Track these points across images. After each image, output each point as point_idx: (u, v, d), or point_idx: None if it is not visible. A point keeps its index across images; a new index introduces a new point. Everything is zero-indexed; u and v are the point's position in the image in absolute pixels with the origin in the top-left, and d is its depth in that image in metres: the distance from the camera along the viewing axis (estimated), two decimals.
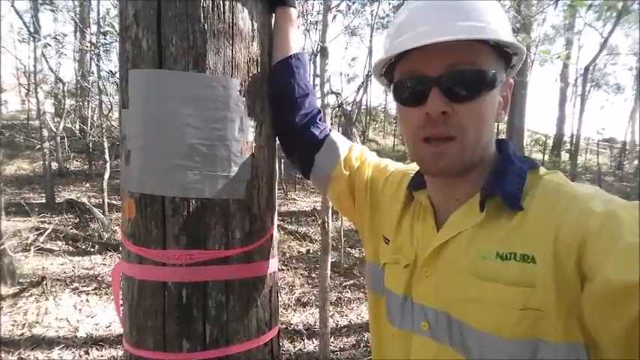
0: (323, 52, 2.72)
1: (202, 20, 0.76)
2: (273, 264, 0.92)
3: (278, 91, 0.88)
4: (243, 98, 0.80)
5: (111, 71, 7.58)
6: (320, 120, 0.94)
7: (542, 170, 0.67)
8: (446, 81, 0.62)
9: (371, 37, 13.72)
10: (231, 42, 0.79)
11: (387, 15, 13.36)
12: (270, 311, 0.91)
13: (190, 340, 0.80)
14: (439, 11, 0.63)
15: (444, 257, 0.68)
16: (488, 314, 0.60)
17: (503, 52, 0.66)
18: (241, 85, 0.80)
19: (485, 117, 0.65)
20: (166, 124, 0.76)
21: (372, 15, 11.56)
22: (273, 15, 0.89)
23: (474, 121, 0.64)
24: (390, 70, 0.73)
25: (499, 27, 0.63)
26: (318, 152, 0.92)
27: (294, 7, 0.90)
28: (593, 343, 0.54)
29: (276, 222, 0.94)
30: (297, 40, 0.91)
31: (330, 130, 0.95)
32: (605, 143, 21.49)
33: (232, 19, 0.79)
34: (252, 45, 0.82)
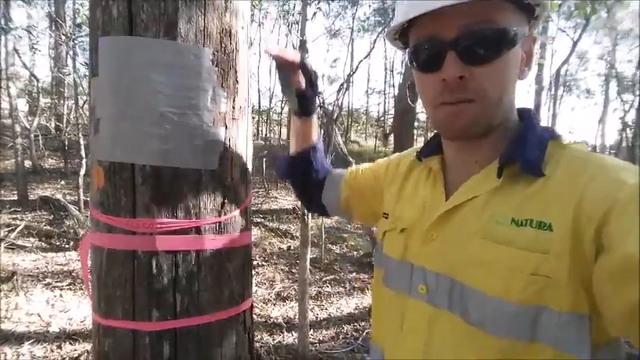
0: (302, 45, 2.72)
1: None
2: (247, 236, 0.93)
3: (299, 178, 1.04)
4: (215, 68, 0.81)
5: (86, 63, 7.39)
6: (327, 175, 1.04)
7: (565, 140, 0.65)
8: (462, 43, 0.59)
9: (351, 39, 13.84)
10: (203, 11, 0.79)
11: (368, 18, 13.49)
12: (243, 283, 0.91)
13: (160, 310, 0.79)
14: None
15: (454, 221, 0.65)
16: (496, 277, 0.58)
17: (524, 5, 0.62)
18: (214, 55, 0.80)
19: (507, 78, 0.62)
20: (137, 91, 0.76)
21: (352, 17, 11.65)
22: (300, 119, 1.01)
23: (495, 83, 0.60)
24: (405, 34, 0.70)
25: None
26: (322, 191, 1.02)
27: (315, 114, 1.01)
28: (597, 315, 0.53)
29: (250, 195, 0.94)
30: (316, 133, 1.03)
31: (332, 171, 1.05)
32: None
33: None
34: (224, 15, 0.82)
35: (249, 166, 0.94)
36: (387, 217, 0.81)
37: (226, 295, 0.86)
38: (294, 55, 0.91)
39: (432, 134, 0.81)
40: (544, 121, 16.35)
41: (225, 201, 0.85)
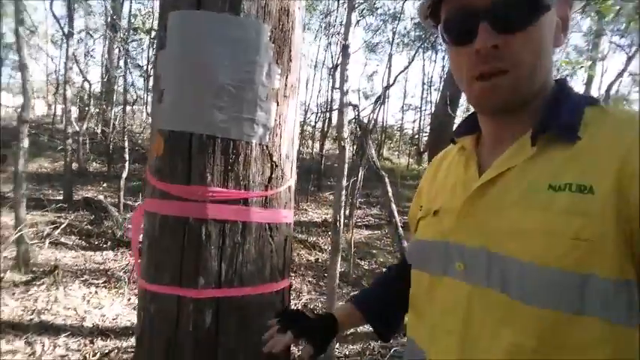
0: (345, 50, 2.76)
1: None
2: (290, 215, 0.94)
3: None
4: (273, 45, 0.84)
5: (138, 64, 7.81)
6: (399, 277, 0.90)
7: (605, 105, 0.62)
8: (495, 11, 0.57)
9: (390, 53, 13.91)
10: None
11: (408, 32, 13.55)
12: (284, 260, 0.92)
13: (205, 277, 0.81)
14: None
15: (490, 194, 0.63)
16: (535, 245, 0.55)
17: None
18: (272, 32, 0.84)
19: (543, 45, 0.59)
20: (201, 62, 0.80)
21: (392, 32, 11.76)
22: None
23: (530, 51, 0.58)
24: (436, 12, 0.68)
25: None
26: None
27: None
28: None
29: (295, 175, 0.96)
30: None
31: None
32: None
33: None
34: None
35: (296, 145, 0.96)
36: (421, 209, 0.79)
37: (268, 269, 0.88)
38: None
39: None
40: None
41: (273, 176, 0.88)
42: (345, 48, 2.78)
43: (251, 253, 0.85)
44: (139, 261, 0.92)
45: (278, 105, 0.87)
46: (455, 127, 0.79)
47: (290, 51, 0.88)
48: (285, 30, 0.87)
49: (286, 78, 0.88)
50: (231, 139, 0.82)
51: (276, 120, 0.87)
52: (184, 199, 0.81)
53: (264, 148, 0.86)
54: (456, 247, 0.66)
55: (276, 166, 0.88)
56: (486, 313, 0.59)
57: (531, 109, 0.63)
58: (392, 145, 17.96)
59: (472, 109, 0.74)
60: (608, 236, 0.51)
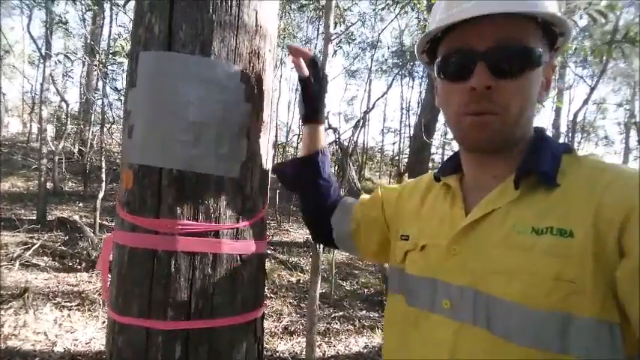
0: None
1: (211, 11, 0.84)
2: (263, 245, 0.96)
3: (305, 184, 1.01)
4: (243, 85, 0.87)
5: (116, 88, 7.76)
6: (339, 198, 1.01)
7: (579, 153, 0.68)
8: (493, 55, 0.62)
9: (369, 79, 14.30)
10: (235, 33, 0.87)
11: (386, 60, 13.96)
12: (256, 291, 0.93)
13: (175, 309, 0.82)
14: None
15: (476, 234, 0.66)
16: (517, 284, 0.58)
17: (548, 33, 0.66)
18: (242, 73, 0.87)
19: (529, 95, 0.65)
20: (170, 101, 0.82)
21: (371, 59, 12.09)
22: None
23: (518, 98, 0.63)
24: (432, 50, 0.74)
25: (547, 4, 0.63)
26: (332, 216, 0.98)
27: (323, 123, 1.01)
28: (628, 323, 0.53)
29: (267, 206, 0.98)
30: (323, 141, 1.01)
31: (343, 196, 1.02)
32: None
33: (238, 13, 0.87)
34: (254, 38, 0.90)
35: (268, 178, 0.98)
36: (406, 239, 0.80)
37: (239, 300, 0.89)
38: (308, 51, 0.97)
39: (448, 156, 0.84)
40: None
41: (244, 208, 0.90)
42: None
43: (222, 285, 0.86)
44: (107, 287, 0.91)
45: (249, 140, 0.90)
46: (439, 161, 0.84)
47: (261, 90, 0.92)
48: (256, 71, 0.90)
49: (257, 114, 0.91)
50: (202, 174, 0.84)
51: (247, 154, 0.89)
52: (153, 231, 0.82)
53: (235, 181, 0.88)
54: (443, 285, 0.68)
55: (248, 198, 0.90)
56: (473, 349, 0.62)
57: (513, 153, 0.68)
58: (373, 166, 18.20)
59: (450, 136, 0.79)
60: (588, 278, 0.54)
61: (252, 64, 0.90)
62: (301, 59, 0.96)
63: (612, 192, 0.56)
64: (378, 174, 17.34)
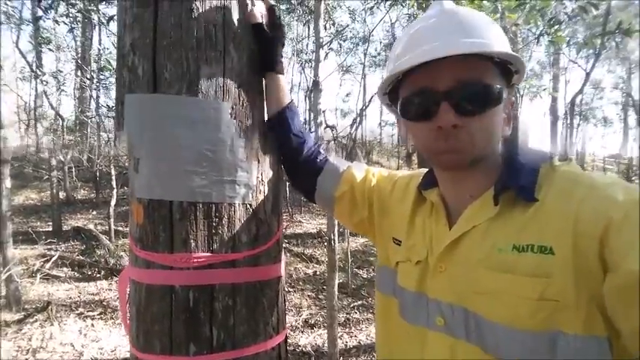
0: (316, 86, 2.80)
1: (195, 48, 0.80)
2: (280, 268, 0.93)
3: (277, 142, 0.95)
4: (234, 120, 0.83)
5: (108, 105, 7.79)
6: (320, 152, 0.98)
7: (556, 161, 0.67)
8: (455, 95, 0.64)
9: (363, 74, 14.12)
10: (222, 68, 0.83)
11: (379, 54, 13.72)
12: (277, 315, 0.91)
13: (197, 344, 0.80)
14: (443, 30, 0.65)
15: (459, 252, 0.68)
16: (503, 306, 0.60)
17: (504, 70, 0.68)
18: (232, 108, 0.83)
19: (493, 132, 0.67)
20: (159, 143, 0.79)
21: (364, 54, 11.84)
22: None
23: (483, 134, 0.65)
24: (393, 91, 0.75)
25: (501, 44, 0.65)
26: (319, 176, 0.96)
27: (282, 74, 0.94)
28: (616, 336, 0.53)
29: (282, 227, 0.95)
30: (287, 94, 0.96)
31: (329, 156, 0.99)
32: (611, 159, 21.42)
33: (224, 48, 0.83)
34: (243, 72, 0.86)
35: (281, 198, 0.95)
36: (398, 244, 0.81)
37: (261, 327, 0.86)
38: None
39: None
40: (562, 150, 16.08)
41: (259, 233, 0.87)
42: (315, 84, 2.81)
43: (243, 314, 0.83)
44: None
45: (259, 163, 0.86)
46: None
47: (259, 120, 0.89)
48: (246, 104, 0.86)
49: (265, 137, 0.88)
50: (213, 203, 0.81)
51: (258, 177, 0.86)
52: (169, 267, 0.80)
53: (248, 206, 0.85)
54: (436, 302, 0.70)
55: (262, 223, 0.87)
56: None
57: (487, 164, 0.69)
58: (380, 150, 18.27)
59: None
60: (570, 294, 0.55)
61: (241, 98, 0.86)
62: (256, 9, 0.90)
63: (587, 206, 0.57)
64: (386, 157, 17.31)
